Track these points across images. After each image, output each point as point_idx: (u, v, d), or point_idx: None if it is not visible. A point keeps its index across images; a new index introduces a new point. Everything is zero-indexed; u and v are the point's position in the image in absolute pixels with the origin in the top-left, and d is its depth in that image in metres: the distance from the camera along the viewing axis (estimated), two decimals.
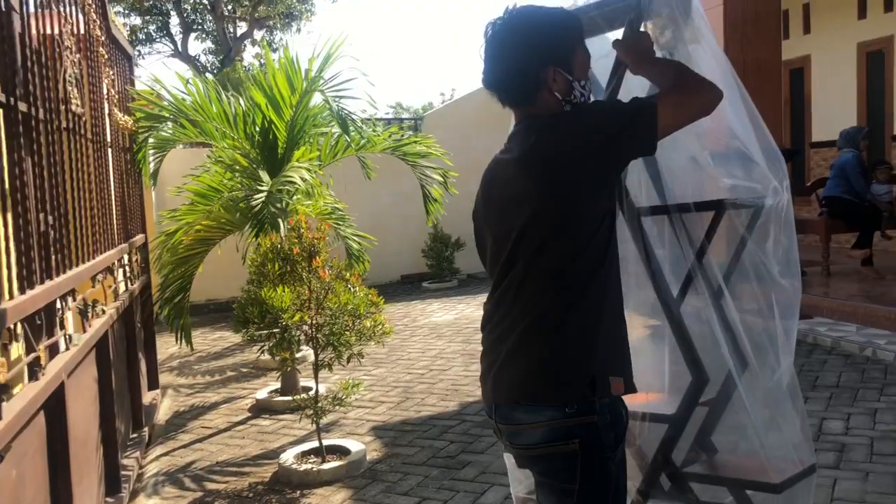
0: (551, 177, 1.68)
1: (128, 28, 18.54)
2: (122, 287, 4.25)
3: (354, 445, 4.19)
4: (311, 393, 4.08)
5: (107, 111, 4.33)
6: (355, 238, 6.07)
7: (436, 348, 6.57)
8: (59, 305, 2.74)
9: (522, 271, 1.73)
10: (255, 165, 5.25)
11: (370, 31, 78.66)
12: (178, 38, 20.38)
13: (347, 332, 3.96)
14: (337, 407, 4.11)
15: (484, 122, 11.04)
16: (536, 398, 1.69)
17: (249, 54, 20.55)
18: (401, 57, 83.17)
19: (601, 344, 1.70)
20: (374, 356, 6.39)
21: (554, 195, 1.67)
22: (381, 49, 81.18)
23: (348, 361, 4.06)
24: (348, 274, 4.10)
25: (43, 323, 2.52)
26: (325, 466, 3.94)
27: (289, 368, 4.78)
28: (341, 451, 4.13)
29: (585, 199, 1.68)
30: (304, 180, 4.59)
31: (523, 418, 1.72)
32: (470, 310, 8.21)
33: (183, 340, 5.21)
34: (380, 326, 4.02)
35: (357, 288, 4.06)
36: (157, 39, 20.58)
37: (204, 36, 20.77)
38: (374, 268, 10.14)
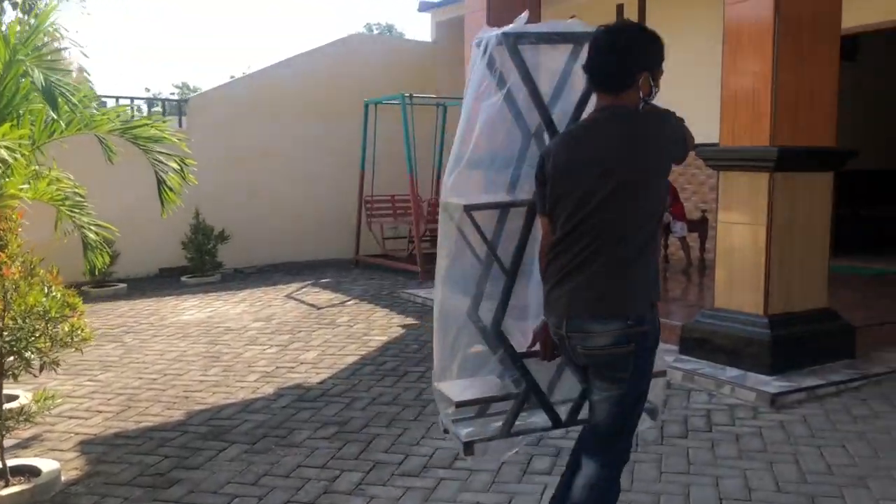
0: (648, 151, 2.37)
1: None
2: None
3: (48, 465, 3.70)
4: None
5: None
6: (93, 228, 5.46)
7: (177, 350, 6.11)
8: None
9: (610, 215, 2.34)
10: None
11: (162, 3, 73.86)
12: None
13: (38, 338, 3.48)
14: (27, 423, 3.62)
15: (256, 108, 10.63)
16: (609, 312, 2.35)
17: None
18: (200, 32, 78.78)
19: (653, 277, 2.43)
20: (105, 359, 5.82)
21: (654, 163, 2.39)
22: (174, 23, 76.44)
23: (41, 371, 3.59)
24: (42, 271, 3.61)
25: None
26: (5, 492, 3.43)
27: None
28: (31, 472, 3.64)
29: (663, 172, 2.45)
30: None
31: (596, 328, 2.36)
32: (227, 307, 7.77)
33: None
34: (78, 332, 3.58)
35: (53, 288, 3.58)
36: None
37: None
38: (129, 260, 9.44)
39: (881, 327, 5.62)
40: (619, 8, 10.74)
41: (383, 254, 10.35)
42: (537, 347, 2.73)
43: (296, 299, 8.21)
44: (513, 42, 2.79)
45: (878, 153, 10.44)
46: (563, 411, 2.94)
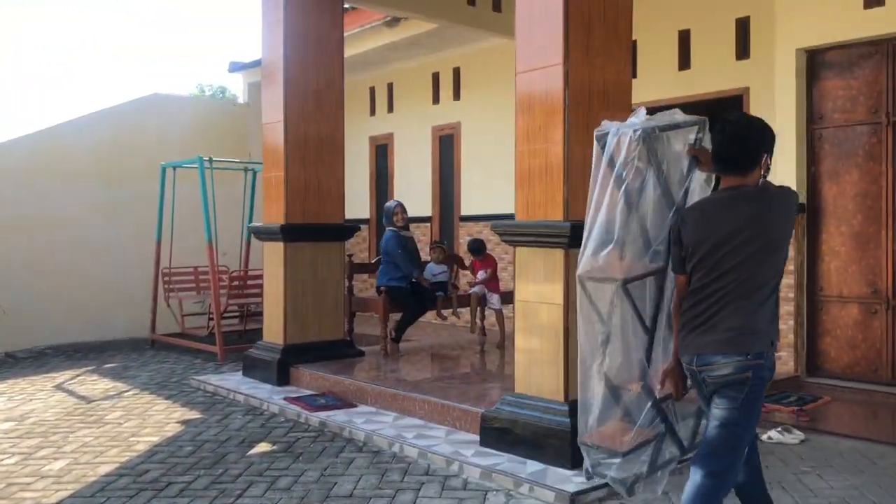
0: (776, 224, 2.92)
1: None
2: None
3: None
4: None
5: None
6: None
7: None
8: None
9: (740, 276, 2.87)
10: None
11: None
12: None
13: None
14: None
15: (40, 171, 9.53)
16: (732, 350, 2.89)
17: None
18: None
19: (773, 321, 2.97)
20: None
21: (781, 232, 2.94)
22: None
23: None
24: None
25: None
26: None
27: None
28: None
29: (787, 239, 2.99)
30: None
31: (720, 360, 2.90)
32: None
33: None
34: None
35: None
36: None
37: None
38: None
39: None
40: (435, 76, 10.65)
41: (182, 332, 9.41)
42: (668, 388, 3.27)
43: (66, 390, 7.15)
44: (649, 134, 3.30)
45: None
46: (685, 439, 3.50)
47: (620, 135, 3.36)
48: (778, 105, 6.69)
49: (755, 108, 7.73)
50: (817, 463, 4.62)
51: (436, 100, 10.79)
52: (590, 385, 3.58)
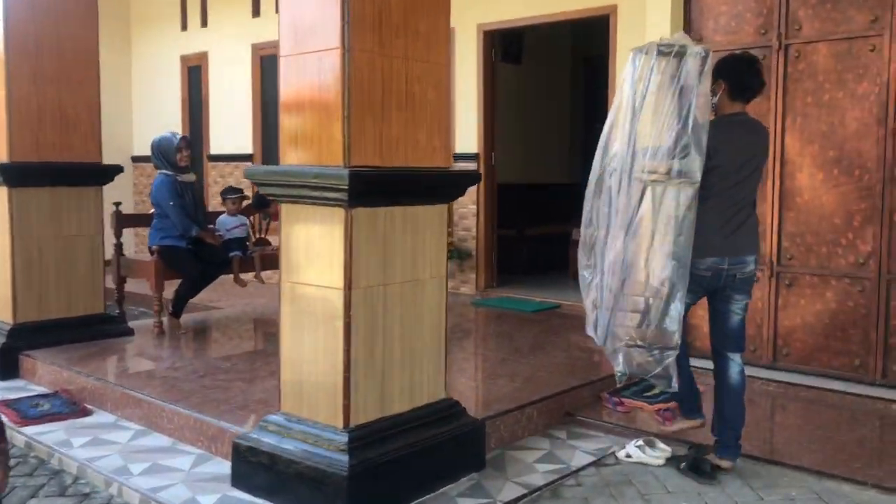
0: (766, 146, 3.74)
1: None
2: None
3: None
4: None
5: None
6: None
7: None
8: None
9: (751, 185, 3.58)
10: None
11: None
12: None
13: None
14: None
15: None
16: (755, 250, 3.59)
17: None
18: None
19: None
20: None
21: (766, 158, 3.79)
22: None
23: None
24: None
25: None
26: None
27: None
28: None
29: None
30: None
31: (749, 259, 3.55)
32: None
33: None
34: None
35: None
36: None
37: None
38: None
39: (520, 413, 4.14)
40: None
41: None
42: None
43: None
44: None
45: (551, 165, 9.53)
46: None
47: (643, 54, 3.50)
48: (649, 24, 5.38)
49: (623, 30, 6.43)
50: (687, 499, 3.43)
51: (256, 11, 8.96)
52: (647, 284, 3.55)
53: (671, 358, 3.47)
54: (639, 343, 3.54)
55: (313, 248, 3.27)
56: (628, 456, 3.83)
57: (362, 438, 3.21)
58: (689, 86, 3.35)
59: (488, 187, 7.61)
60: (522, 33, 8.96)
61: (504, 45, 8.74)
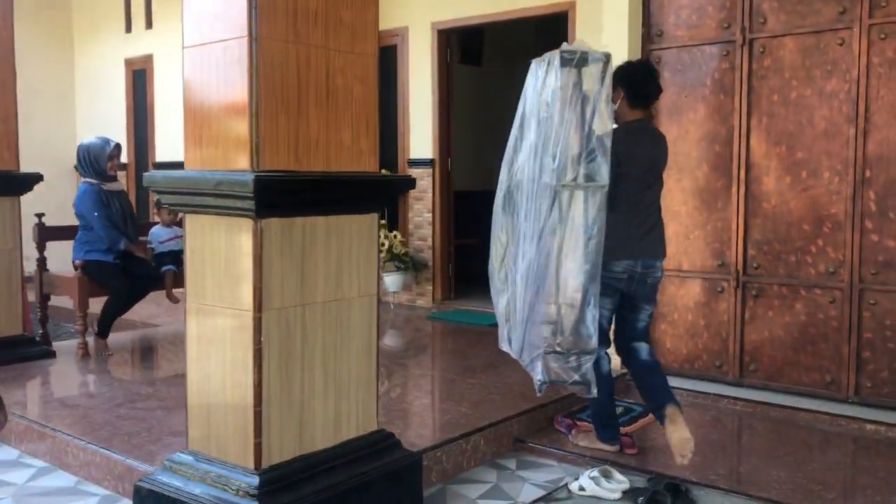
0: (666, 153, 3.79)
1: None
2: None
3: None
4: None
5: None
6: None
7: None
8: None
9: (656, 192, 3.71)
10: None
11: None
12: None
13: None
14: None
15: None
16: (663, 255, 3.72)
17: None
18: None
19: None
20: None
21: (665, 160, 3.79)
22: None
23: None
24: None
25: None
26: None
27: None
28: None
29: None
30: None
31: (658, 264, 3.68)
32: None
33: None
34: None
35: None
36: None
37: None
38: None
39: (465, 442, 3.77)
40: None
41: None
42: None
43: None
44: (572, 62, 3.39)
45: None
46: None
47: (546, 63, 3.44)
48: (606, 16, 5.06)
49: (582, 26, 6.11)
50: None
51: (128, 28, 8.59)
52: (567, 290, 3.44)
53: (589, 363, 3.41)
54: (556, 349, 3.42)
55: (219, 264, 2.88)
56: (581, 489, 3.47)
57: (276, 481, 2.81)
58: (592, 92, 3.35)
59: (444, 195, 7.26)
60: (483, 34, 8.64)
61: (463, 46, 8.43)
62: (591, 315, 3.36)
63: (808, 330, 4.55)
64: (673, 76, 4.93)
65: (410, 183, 3.44)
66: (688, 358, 4.97)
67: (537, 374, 3.44)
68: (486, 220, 6.53)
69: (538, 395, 3.53)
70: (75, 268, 5.32)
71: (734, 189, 4.74)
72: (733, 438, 4.28)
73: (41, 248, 5.54)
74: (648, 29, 5.00)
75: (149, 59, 9.15)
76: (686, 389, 4.74)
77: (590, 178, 3.33)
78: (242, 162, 2.75)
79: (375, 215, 3.22)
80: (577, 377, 3.41)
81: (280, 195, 2.77)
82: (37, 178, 5.29)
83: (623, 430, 4.01)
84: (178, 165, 8.56)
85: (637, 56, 4.96)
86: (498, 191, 3.61)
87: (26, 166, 5.28)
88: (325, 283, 3.01)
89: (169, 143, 8.91)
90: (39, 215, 5.54)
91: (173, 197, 3.01)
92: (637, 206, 3.58)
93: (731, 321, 4.79)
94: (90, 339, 5.36)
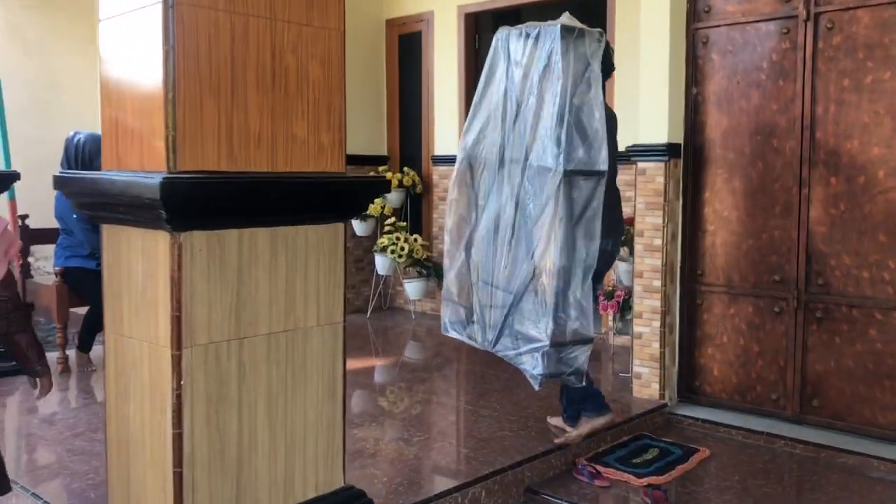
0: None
1: None
2: None
3: None
4: None
5: None
6: None
7: None
8: None
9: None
10: None
11: None
12: None
13: None
14: None
15: None
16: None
17: None
18: None
19: None
20: None
21: None
22: None
23: None
24: None
25: None
26: None
27: None
28: None
29: None
30: None
31: (620, 242, 3.79)
32: None
33: None
34: None
35: None
36: None
37: None
38: None
39: (462, 495, 3.14)
40: None
41: None
42: None
43: None
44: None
45: None
46: None
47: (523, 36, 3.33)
48: None
49: (622, 3, 5.43)
50: None
51: None
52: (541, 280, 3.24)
53: (587, 353, 3.30)
54: (558, 340, 3.24)
55: (136, 287, 2.32)
56: None
57: None
58: (589, 70, 3.24)
59: None
60: (519, 18, 7.99)
61: None
62: (587, 303, 3.26)
63: (884, 360, 3.80)
64: (722, 58, 4.21)
65: (382, 186, 2.83)
66: (738, 389, 4.26)
67: (536, 369, 3.26)
68: None
69: (536, 389, 3.34)
70: (56, 275, 4.87)
71: (795, 191, 4.01)
72: (790, 492, 3.56)
73: (24, 252, 5.11)
74: (693, 4, 4.29)
75: None
76: (735, 427, 4.04)
77: (587, 163, 3.21)
78: (157, 161, 2.19)
79: (341, 225, 2.62)
80: (572, 368, 3.29)
81: (204, 202, 2.20)
82: (12, 176, 4.83)
83: (656, 480, 3.35)
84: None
85: (681, 36, 4.28)
86: (458, 163, 3.53)
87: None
88: (272, 310, 2.43)
89: None
90: (23, 217, 5.11)
91: (88, 204, 2.46)
92: (613, 183, 3.45)
93: (791, 347, 4.06)
94: (70, 353, 4.90)
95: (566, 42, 3.15)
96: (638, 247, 4.37)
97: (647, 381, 4.36)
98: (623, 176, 4.28)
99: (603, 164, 3.20)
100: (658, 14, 4.25)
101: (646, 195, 4.30)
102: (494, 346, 3.41)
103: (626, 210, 4.11)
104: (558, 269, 3.18)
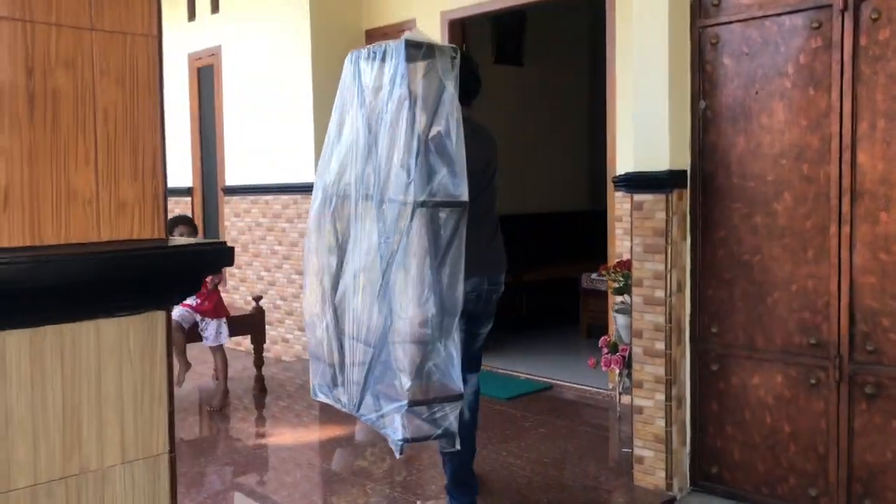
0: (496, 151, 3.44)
1: None
2: None
3: None
4: None
5: None
6: None
7: None
8: None
9: (491, 195, 3.33)
10: None
11: None
12: None
13: None
14: None
15: None
16: (505, 270, 3.43)
17: None
18: None
19: None
20: None
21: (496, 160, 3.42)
22: None
23: None
24: None
25: None
26: None
27: None
28: None
29: None
30: None
31: (503, 280, 3.38)
32: None
33: None
34: None
35: None
36: None
37: None
38: None
39: None
40: None
41: None
42: None
43: None
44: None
45: (559, 189, 7.70)
46: None
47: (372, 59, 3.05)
48: None
49: (622, 4, 4.60)
50: None
51: (192, 15, 7.39)
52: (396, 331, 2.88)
53: (456, 411, 2.98)
54: (419, 400, 2.90)
55: None
56: None
57: None
58: (441, 91, 2.88)
59: None
60: (523, 24, 7.21)
61: (498, 43, 7.04)
62: (454, 353, 2.88)
63: None
64: (737, 63, 3.35)
65: (224, 255, 2.03)
66: (766, 479, 3.36)
67: (396, 433, 2.93)
68: (527, 249, 6.09)
69: (398, 457, 3.00)
70: None
71: (833, 230, 3.13)
72: None
73: None
74: None
75: (216, 51, 7.72)
76: None
77: (448, 194, 2.88)
78: None
79: (159, 314, 1.83)
80: (441, 430, 2.95)
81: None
82: None
83: None
84: (252, 190, 7.19)
85: (685, 37, 3.43)
86: (314, 203, 3.21)
87: None
88: (38, 449, 1.64)
89: (240, 158, 7.34)
90: None
91: None
92: (476, 214, 3.05)
93: (833, 429, 3.17)
94: None
95: (414, 61, 2.84)
96: (636, 299, 3.52)
97: (651, 468, 3.49)
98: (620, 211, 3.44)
99: (465, 195, 2.83)
100: (654, 8, 3.41)
101: (643, 235, 3.46)
102: (358, 409, 3.06)
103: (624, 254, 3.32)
104: (417, 316, 2.82)
